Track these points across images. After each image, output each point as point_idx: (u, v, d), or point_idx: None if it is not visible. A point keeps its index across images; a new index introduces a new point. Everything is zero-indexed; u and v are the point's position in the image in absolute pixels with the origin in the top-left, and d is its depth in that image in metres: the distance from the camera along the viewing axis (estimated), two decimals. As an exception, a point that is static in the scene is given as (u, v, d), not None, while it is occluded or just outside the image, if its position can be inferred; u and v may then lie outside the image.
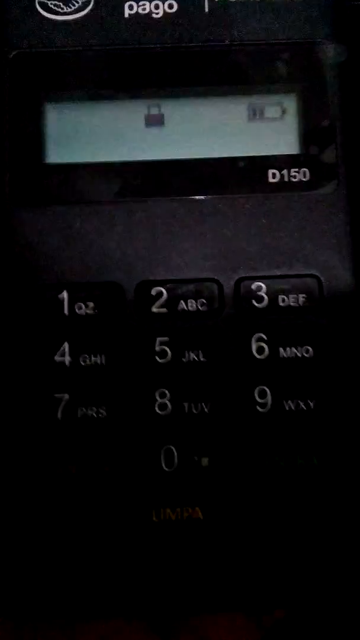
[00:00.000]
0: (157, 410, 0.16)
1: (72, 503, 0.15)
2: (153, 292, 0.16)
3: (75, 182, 0.17)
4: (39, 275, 0.16)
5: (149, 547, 0.15)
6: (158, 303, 0.16)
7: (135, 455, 0.16)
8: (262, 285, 0.16)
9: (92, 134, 0.17)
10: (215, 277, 0.16)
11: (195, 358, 0.16)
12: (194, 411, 0.16)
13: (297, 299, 0.16)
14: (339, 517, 0.15)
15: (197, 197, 0.17)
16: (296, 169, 0.17)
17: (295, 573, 0.16)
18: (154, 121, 0.17)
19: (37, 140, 0.17)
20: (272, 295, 0.16)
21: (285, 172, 0.17)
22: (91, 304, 0.16)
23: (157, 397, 0.16)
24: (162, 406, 0.16)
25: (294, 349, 0.16)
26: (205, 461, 0.16)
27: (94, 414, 0.16)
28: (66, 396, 0.16)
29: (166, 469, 0.16)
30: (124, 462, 0.16)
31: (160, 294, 0.16)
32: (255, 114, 0.18)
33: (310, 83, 0.17)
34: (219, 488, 0.16)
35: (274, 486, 0.16)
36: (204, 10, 0.17)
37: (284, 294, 0.16)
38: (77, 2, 0.17)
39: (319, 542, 0.15)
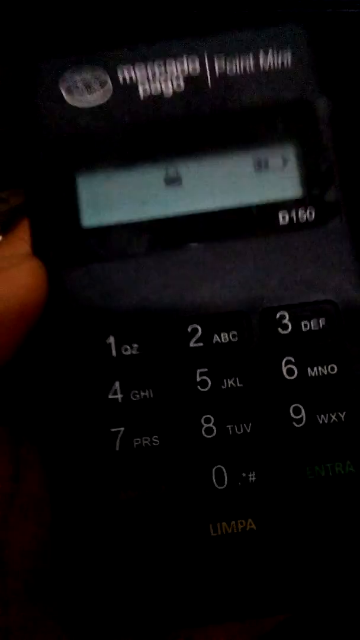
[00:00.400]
0: (204, 435, 0.17)
1: (135, 527, 0.17)
2: (189, 329, 0.18)
3: (110, 241, 0.19)
4: (87, 325, 0.18)
5: (211, 560, 0.17)
6: (195, 338, 0.18)
7: (189, 477, 0.17)
8: (285, 313, 0.18)
9: (120, 198, 0.20)
10: (243, 311, 0.18)
11: (233, 384, 0.18)
12: (237, 432, 0.17)
13: (318, 323, 0.18)
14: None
15: (218, 243, 0.19)
16: (303, 210, 0.19)
17: (336, 576, 0.17)
18: (173, 181, 0.20)
19: (73, 208, 0.19)
20: (295, 322, 0.18)
21: (293, 213, 0.19)
22: (135, 345, 0.18)
23: (203, 423, 0.18)
24: (208, 430, 0.18)
25: (320, 368, 0.18)
26: (252, 476, 0.17)
27: (148, 443, 0.17)
28: (122, 429, 0.18)
29: (218, 486, 0.17)
30: (179, 484, 0.17)
31: (195, 330, 0.18)
32: (261, 166, 0.20)
33: (306, 134, 0.20)
34: (268, 499, 0.17)
35: (315, 493, 0.17)
36: (208, 85, 0.20)
37: (305, 320, 0.18)
38: (98, 89, 0.20)
39: (357, 544, 0.17)
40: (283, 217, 0.19)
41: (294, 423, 0.17)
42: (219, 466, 0.17)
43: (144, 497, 0.17)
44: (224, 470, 0.17)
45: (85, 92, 0.20)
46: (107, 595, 0.17)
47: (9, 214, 0.28)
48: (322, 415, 0.17)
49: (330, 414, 0.17)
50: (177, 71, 0.20)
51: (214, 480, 0.17)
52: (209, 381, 0.18)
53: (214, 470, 0.17)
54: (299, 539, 0.17)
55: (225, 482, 0.17)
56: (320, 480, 0.17)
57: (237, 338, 0.18)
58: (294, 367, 0.18)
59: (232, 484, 0.17)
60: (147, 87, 0.20)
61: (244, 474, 0.17)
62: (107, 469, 0.17)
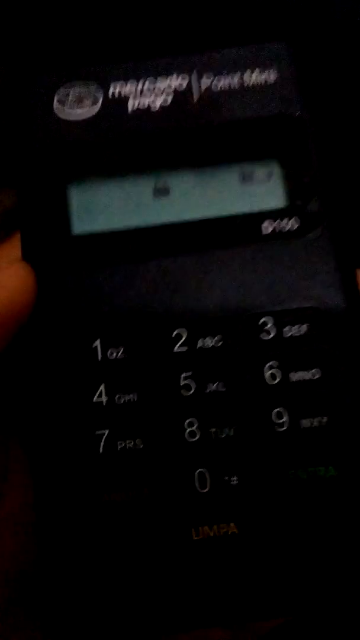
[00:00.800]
0: (187, 438, 0.18)
1: (117, 530, 0.17)
2: (174, 334, 0.18)
3: (98, 248, 0.20)
4: (74, 328, 0.19)
5: (193, 564, 0.17)
6: (179, 343, 0.18)
7: (172, 480, 0.17)
8: (269, 319, 0.19)
9: (110, 207, 0.20)
10: (227, 316, 0.19)
11: (216, 389, 0.18)
12: (220, 436, 0.18)
13: (300, 329, 0.18)
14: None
15: (203, 251, 0.19)
16: (286, 220, 0.20)
17: (320, 579, 0.17)
18: (161, 192, 0.20)
19: (64, 215, 0.20)
20: (278, 327, 0.19)
21: (277, 223, 0.20)
22: (121, 349, 0.18)
23: (186, 426, 0.18)
24: (192, 434, 0.18)
25: (302, 373, 0.18)
26: (234, 480, 0.17)
27: (132, 446, 0.18)
28: (106, 432, 0.18)
29: (200, 490, 0.17)
30: (162, 487, 0.17)
31: (180, 335, 0.18)
32: (246, 178, 0.21)
33: (290, 148, 0.20)
34: (250, 503, 0.17)
35: (297, 497, 0.17)
36: (194, 100, 0.21)
37: (288, 326, 0.18)
38: (89, 103, 0.21)
39: (339, 547, 0.17)
40: (267, 227, 0.20)
41: (277, 427, 0.18)
42: (201, 470, 0.17)
43: (127, 500, 0.17)
44: (207, 473, 0.17)
45: (77, 105, 0.21)
46: (90, 599, 0.17)
47: (4, 215, 0.28)
48: (305, 420, 0.18)
49: (313, 419, 0.18)
50: (165, 86, 0.21)
51: (197, 484, 0.17)
52: (193, 385, 0.18)
53: (196, 473, 0.17)
54: (281, 543, 0.17)
55: (208, 486, 0.17)
56: (303, 484, 0.17)
57: (221, 343, 0.18)
58: (276, 372, 0.18)
59: (215, 488, 0.17)
60: (136, 101, 0.21)
61: (226, 478, 0.17)
62: (91, 471, 0.17)
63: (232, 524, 0.17)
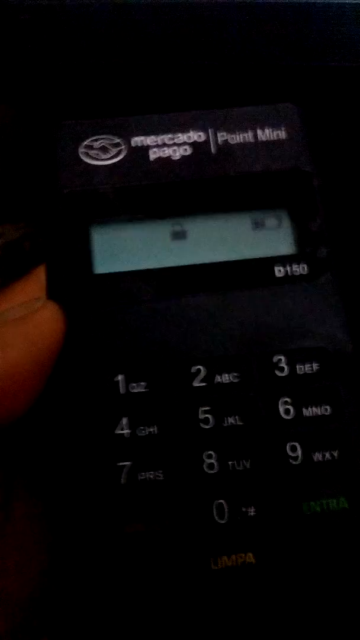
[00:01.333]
0: (206, 470, 0.18)
1: (138, 560, 0.18)
2: (193, 369, 0.19)
3: (119, 287, 0.21)
4: (99, 364, 0.19)
5: (212, 593, 0.17)
6: (198, 378, 0.19)
7: (191, 510, 0.18)
8: (282, 357, 0.20)
9: (130, 249, 0.21)
10: (243, 354, 0.20)
11: (234, 422, 0.19)
12: (238, 468, 0.18)
13: (312, 367, 0.20)
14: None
15: (220, 292, 0.21)
16: (296, 265, 0.21)
17: (335, 609, 0.18)
18: (178, 236, 0.22)
19: (87, 256, 0.21)
20: (291, 365, 0.20)
21: (288, 268, 0.21)
22: (143, 383, 0.19)
23: (205, 458, 0.19)
24: (210, 466, 0.18)
25: (314, 408, 0.19)
26: (252, 511, 0.18)
27: (153, 477, 0.18)
28: (128, 464, 0.18)
29: (219, 520, 0.18)
30: (182, 518, 0.18)
31: (199, 370, 0.19)
32: (258, 225, 0.22)
33: (299, 199, 0.22)
34: (266, 534, 0.18)
35: (311, 528, 0.18)
36: (212, 152, 0.22)
37: (300, 364, 0.20)
38: (113, 152, 0.22)
39: (353, 578, 0.18)
40: (279, 271, 0.21)
41: (291, 460, 0.19)
42: (220, 501, 0.18)
43: (148, 530, 0.18)
44: (225, 505, 0.18)
45: (101, 153, 0.22)
46: (111, 630, 0.17)
47: (6, 248, 0.29)
48: (317, 453, 0.19)
49: (325, 452, 0.19)
50: (184, 140, 0.22)
51: (215, 515, 0.18)
52: (211, 419, 0.19)
53: (215, 504, 0.18)
54: (297, 572, 0.18)
55: (226, 517, 0.18)
56: (316, 516, 0.18)
57: (238, 379, 0.19)
58: (290, 407, 0.19)
59: (233, 519, 0.18)
60: (157, 151, 0.22)
61: (243, 509, 0.18)
62: (113, 502, 0.18)
63: (249, 554, 0.18)
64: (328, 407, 0.19)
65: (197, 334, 0.20)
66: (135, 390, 0.19)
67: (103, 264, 0.21)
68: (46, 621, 0.19)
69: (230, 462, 0.18)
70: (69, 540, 0.18)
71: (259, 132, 0.22)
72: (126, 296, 0.20)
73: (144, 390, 0.19)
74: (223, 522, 0.18)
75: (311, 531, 0.18)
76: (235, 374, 0.19)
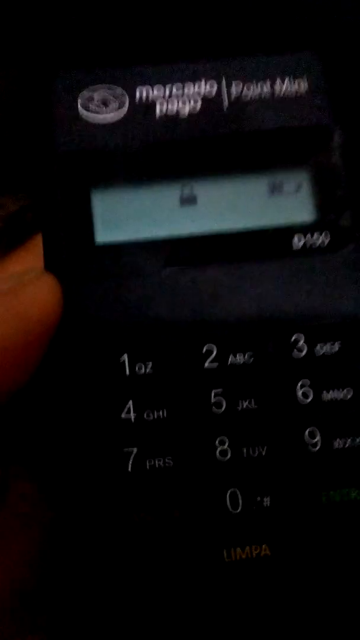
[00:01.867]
0: (219, 457, 0.17)
1: (147, 550, 0.17)
2: (204, 349, 0.18)
3: (123, 259, 0.19)
4: (100, 342, 0.18)
5: (225, 586, 0.16)
6: (210, 358, 0.18)
7: (203, 500, 0.17)
8: (300, 336, 0.18)
9: (135, 216, 0.20)
10: (259, 332, 0.18)
11: (248, 406, 0.18)
12: (252, 455, 0.17)
13: (333, 347, 0.18)
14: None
15: (233, 264, 0.19)
16: (317, 235, 0.19)
17: (354, 603, 0.17)
18: (188, 201, 0.20)
19: (88, 224, 0.19)
20: (310, 345, 0.18)
21: (307, 238, 0.19)
22: (150, 364, 0.18)
23: (217, 445, 0.17)
24: (223, 452, 0.17)
25: (335, 392, 0.18)
26: (267, 501, 0.17)
27: (162, 464, 0.17)
28: (135, 450, 0.17)
29: (232, 510, 0.17)
30: (193, 507, 0.17)
31: (210, 350, 0.18)
32: (275, 189, 0.20)
33: (320, 160, 0.20)
34: (282, 525, 0.17)
35: (330, 519, 0.17)
36: (224, 107, 0.20)
37: (320, 343, 0.18)
38: (115, 105, 0.20)
39: None
40: (297, 241, 0.19)
41: (310, 447, 0.17)
42: (233, 489, 0.17)
43: (158, 519, 0.17)
44: (239, 493, 0.17)
45: (102, 108, 0.20)
46: (119, 621, 0.16)
47: (7, 219, 0.27)
48: (338, 440, 0.17)
49: (346, 439, 0.17)
50: (194, 93, 0.20)
51: (228, 504, 0.17)
52: (224, 402, 0.18)
53: (228, 493, 0.17)
54: (314, 565, 0.17)
55: (240, 506, 0.17)
56: (336, 506, 0.17)
57: (252, 359, 0.18)
58: (309, 390, 0.18)
59: (247, 508, 0.17)
60: (164, 106, 0.20)
61: (258, 498, 0.17)
62: (120, 490, 0.17)
63: (264, 546, 0.17)
64: (350, 391, 0.18)
65: (209, 310, 0.18)
66: (142, 372, 0.18)
67: (105, 233, 0.19)
68: (42, 609, 0.18)
69: (244, 449, 0.17)
70: (72, 529, 0.17)
71: (276, 84, 0.20)
72: (131, 268, 0.19)
73: (150, 371, 0.18)
74: (237, 512, 0.17)
75: (330, 522, 0.17)
76: (250, 354, 0.18)
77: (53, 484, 0.18)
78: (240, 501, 0.17)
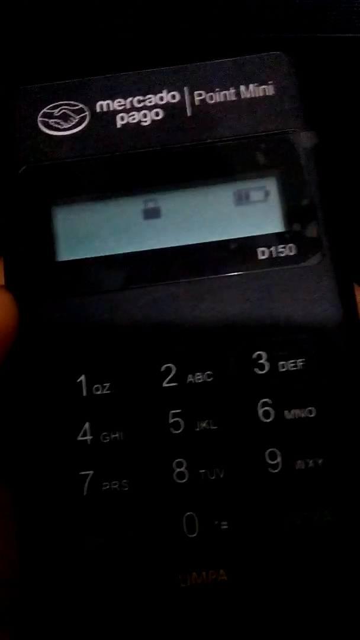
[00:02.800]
0: (176, 479, 0.17)
1: (101, 574, 0.16)
2: (162, 368, 0.18)
3: (85, 276, 0.19)
4: (59, 363, 0.18)
5: (180, 612, 0.16)
6: (168, 378, 0.18)
7: (159, 524, 0.17)
8: (262, 353, 0.18)
9: (98, 231, 0.19)
10: (219, 349, 0.18)
11: (207, 427, 0.17)
12: (210, 477, 0.17)
13: (296, 364, 0.17)
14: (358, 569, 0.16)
15: (195, 279, 0.18)
16: (283, 246, 0.19)
17: (313, 628, 0.16)
18: (151, 214, 0.19)
19: (48, 241, 0.19)
20: (273, 362, 0.18)
21: (273, 249, 0.19)
22: (107, 384, 0.17)
23: (175, 467, 0.17)
24: (180, 475, 0.17)
25: (297, 411, 0.17)
26: (224, 524, 0.17)
27: (117, 488, 0.17)
28: (91, 473, 0.17)
29: (189, 535, 0.17)
30: (149, 531, 0.17)
31: (169, 369, 0.18)
32: (241, 199, 0.19)
33: (288, 167, 0.19)
34: (240, 549, 0.16)
35: (291, 544, 0.16)
36: (187, 114, 0.20)
37: (283, 360, 0.18)
38: (75, 119, 0.20)
39: (334, 597, 0.16)
40: (262, 253, 0.19)
41: (270, 469, 0.17)
42: (190, 513, 0.17)
43: (112, 544, 0.16)
44: (196, 517, 0.17)
45: (62, 122, 0.20)
46: None
47: None
48: (299, 461, 0.17)
49: (308, 460, 0.17)
50: (155, 101, 0.20)
51: (185, 528, 0.17)
52: (182, 423, 0.17)
53: (184, 517, 0.17)
54: (273, 591, 0.16)
55: (197, 530, 0.17)
56: (297, 530, 0.16)
57: (212, 378, 0.17)
58: (270, 409, 0.17)
59: (204, 533, 0.16)
60: (125, 118, 0.20)
61: (216, 522, 0.17)
62: (75, 514, 0.17)
63: (221, 571, 0.16)
64: (312, 410, 0.17)
65: (169, 328, 0.18)
66: (99, 392, 0.17)
67: (67, 250, 0.19)
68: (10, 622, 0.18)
69: (202, 471, 0.17)
70: (31, 552, 0.17)
71: (242, 88, 0.20)
72: (91, 285, 0.18)
73: (108, 392, 0.17)
74: (193, 536, 0.16)
75: (291, 547, 0.16)
76: (209, 373, 0.17)
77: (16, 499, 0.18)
78: (197, 525, 0.17)
